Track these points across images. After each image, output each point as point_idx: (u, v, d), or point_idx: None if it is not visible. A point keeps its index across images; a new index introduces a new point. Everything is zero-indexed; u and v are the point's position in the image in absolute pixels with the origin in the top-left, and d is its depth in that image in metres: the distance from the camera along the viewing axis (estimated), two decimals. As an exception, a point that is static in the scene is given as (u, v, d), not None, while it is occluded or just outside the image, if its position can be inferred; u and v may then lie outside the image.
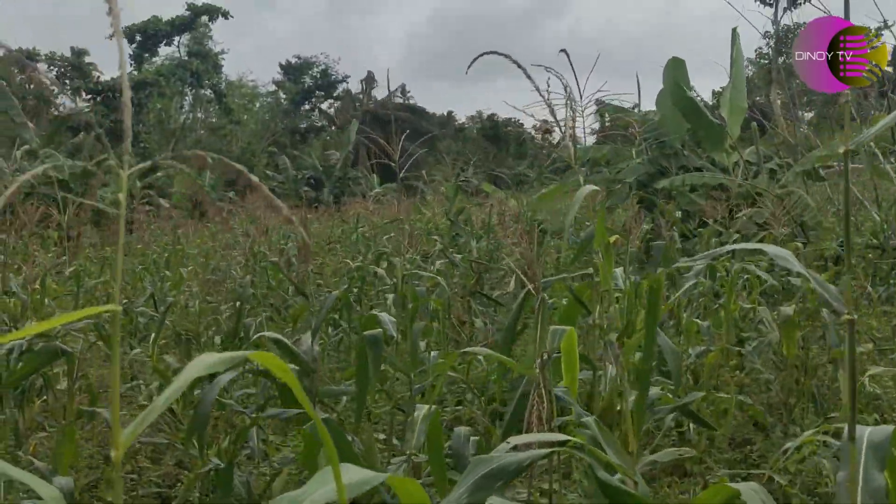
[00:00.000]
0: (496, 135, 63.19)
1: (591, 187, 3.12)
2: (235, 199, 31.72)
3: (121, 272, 1.30)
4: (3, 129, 32.41)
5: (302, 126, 52.25)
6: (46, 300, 7.40)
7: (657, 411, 3.42)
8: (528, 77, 2.79)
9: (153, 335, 6.50)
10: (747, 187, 12.22)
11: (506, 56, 2.70)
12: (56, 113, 40.05)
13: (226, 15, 44.09)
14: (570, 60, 3.08)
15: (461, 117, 67.11)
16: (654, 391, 3.84)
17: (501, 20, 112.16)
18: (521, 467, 1.82)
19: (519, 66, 2.67)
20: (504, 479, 1.79)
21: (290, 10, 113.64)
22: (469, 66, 2.79)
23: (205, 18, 43.95)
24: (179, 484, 5.15)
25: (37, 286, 5.94)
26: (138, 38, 43.13)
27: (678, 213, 10.99)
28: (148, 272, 10.98)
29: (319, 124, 53.62)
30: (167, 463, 5.49)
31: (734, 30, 14.34)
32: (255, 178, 1.32)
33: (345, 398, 5.91)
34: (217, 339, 7.82)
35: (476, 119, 66.33)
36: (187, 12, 43.77)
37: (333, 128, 53.48)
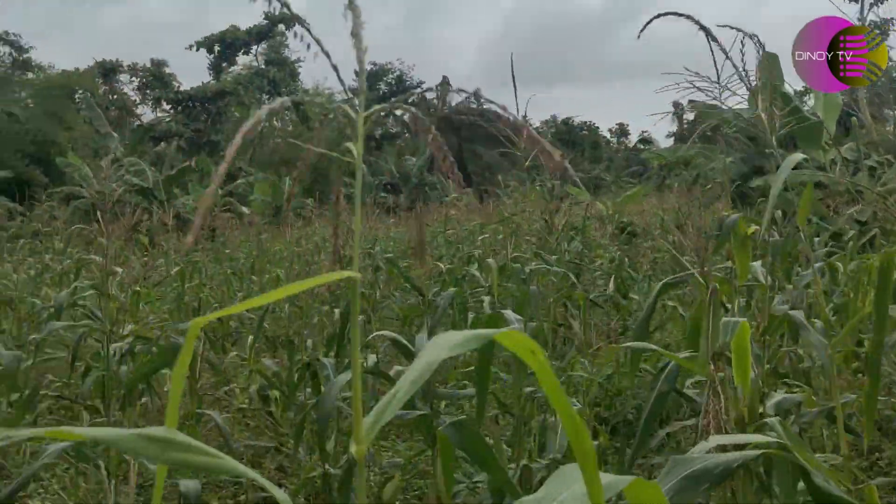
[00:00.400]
0: (571, 139, 62.73)
1: (798, 156, 2.90)
2: (314, 206, 31.92)
3: (358, 239, 1.15)
4: (88, 139, 33.12)
5: (377, 132, 52.46)
6: (140, 304, 7.40)
7: (803, 415, 3.19)
8: (711, 39, 2.59)
9: (251, 338, 6.42)
10: (847, 185, 11.79)
11: (686, 17, 2.51)
12: (138, 123, 40.78)
13: (302, 23, 44.43)
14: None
15: (535, 122, 66.87)
16: (783, 394, 3.60)
17: (575, 25, 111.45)
18: (728, 469, 1.63)
19: (701, 27, 2.48)
20: (710, 481, 1.60)
21: (365, 20, 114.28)
22: (642, 30, 2.60)
23: (282, 27, 44.37)
24: (283, 489, 5.04)
25: (136, 288, 5.89)
26: (217, 47, 43.72)
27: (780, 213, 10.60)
28: (237, 277, 10.98)
29: (394, 130, 53.79)
30: (268, 467, 5.39)
31: (825, 24, 13.89)
32: (527, 128, 1.17)
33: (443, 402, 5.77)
34: (309, 342, 7.74)
35: (550, 123, 65.91)
36: (265, 21, 44.22)
37: (407, 134, 53.61)
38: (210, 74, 44.07)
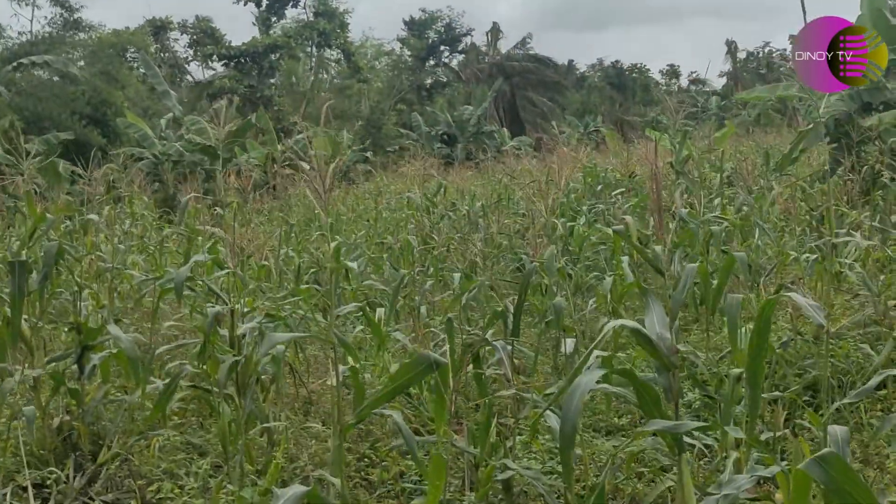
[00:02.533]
0: (621, 82, 61.31)
1: None
2: (374, 159, 31.39)
3: None
4: (140, 99, 32.75)
5: (427, 82, 51.62)
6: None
7: None
8: None
9: (381, 311, 5.88)
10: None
11: None
12: (191, 79, 40.33)
13: (349, -28, 43.50)
14: None
15: (582, 66, 65.64)
16: None
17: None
18: None
19: None
20: None
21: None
22: None
23: (329, -24, 43.50)
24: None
25: (264, 262, 5.36)
26: (265, 1, 42.96)
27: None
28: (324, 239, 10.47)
29: (445, 80, 52.85)
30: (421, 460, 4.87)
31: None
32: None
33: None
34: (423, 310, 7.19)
35: (597, 67, 64.43)
36: (312, -28, 43.35)
37: (458, 83, 52.66)
38: (258, 29, 43.37)
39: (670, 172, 10.73)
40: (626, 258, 6.35)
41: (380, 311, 5.96)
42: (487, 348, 4.64)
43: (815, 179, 12.30)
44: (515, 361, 5.22)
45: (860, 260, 6.95)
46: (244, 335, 4.92)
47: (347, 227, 13.95)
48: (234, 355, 4.78)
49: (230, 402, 4.78)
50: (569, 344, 4.25)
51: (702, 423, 2.70)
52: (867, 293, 6.31)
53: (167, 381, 4.47)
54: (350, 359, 4.40)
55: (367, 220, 13.95)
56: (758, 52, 67.12)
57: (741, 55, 67.12)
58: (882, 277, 6.84)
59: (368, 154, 30.82)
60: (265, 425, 4.65)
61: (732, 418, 3.89)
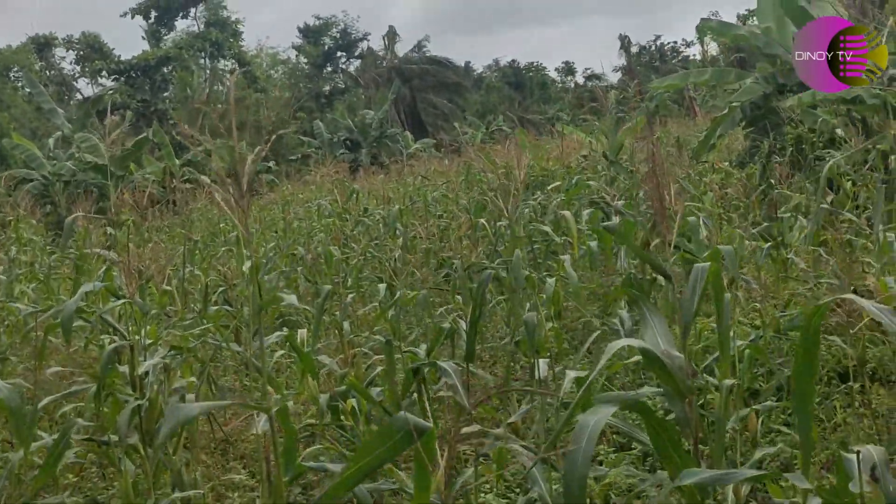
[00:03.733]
0: (518, 82, 61.39)
1: None
2: (276, 168, 30.50)
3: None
4: (26, 120, 31.24)
5: (326, 89, 50.77)
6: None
7: None
8: None
9: (303, 332, 5.21)
10: (889, 98, 10.81)
11: None
12: (80, 97, 38.76)
13: (239, -20, 42.52)
14: None
15: (478, 67, 65.69)
16: None
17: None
18: None
19: None
20: None
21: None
22: None
23: (218, -15, 42.43)
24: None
25: (166, 286, 4.65)
26: (154, 13, 41.65)
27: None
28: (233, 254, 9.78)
29: (343, 86, 52.08)
30: None
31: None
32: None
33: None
34: (347, 326, 6.56)
35: (493, 67, 64.47)
36: (200, -19, 42.25)
37: (357, 89, 51.96)
38: (148, 42, 42.05)
39: (596, 163, 10.30)
40: (567, 257, 5.84)
41: (301, 333, 5.29)
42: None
43: (738, 164, 12.07)
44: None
45: (808, 244, 6.57)
46: (147, 373, 4.23)
47: (256, 239, 13.21)
48: (136, 398, 4.08)
49: (134, 454, 4.07)
50: (542, 366, 3.69)
51: (757, 472, 2.14)
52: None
53: (56, 436, 3.75)
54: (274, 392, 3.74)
55: (276, 232, 13.23)
56: (650, 46, 67.95)
57: (634, 49, 67.88)
58: (832, 261, 6.43)
59: (271, 164, 29.92)
60: (182, 494, 3.94)
61: (725, 438, 3.37)
